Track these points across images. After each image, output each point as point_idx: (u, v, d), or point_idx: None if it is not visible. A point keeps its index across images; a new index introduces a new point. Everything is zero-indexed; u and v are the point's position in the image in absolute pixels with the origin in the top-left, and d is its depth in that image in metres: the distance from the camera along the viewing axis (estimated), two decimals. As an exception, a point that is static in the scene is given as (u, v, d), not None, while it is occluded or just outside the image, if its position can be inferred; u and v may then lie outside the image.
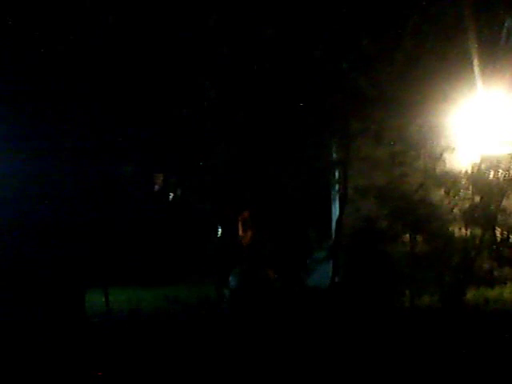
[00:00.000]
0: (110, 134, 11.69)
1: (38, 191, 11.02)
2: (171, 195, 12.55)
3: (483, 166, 12.40)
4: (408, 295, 12.13)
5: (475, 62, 12.48)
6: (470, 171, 12.44)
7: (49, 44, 11.24)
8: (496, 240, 12.27)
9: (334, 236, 12.81)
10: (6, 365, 9.83)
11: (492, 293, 12.77)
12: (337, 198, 12.94)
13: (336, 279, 12.52)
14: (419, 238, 12.43)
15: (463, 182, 12.42)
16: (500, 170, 12.31)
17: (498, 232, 12.29)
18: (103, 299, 11.62)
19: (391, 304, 12.00)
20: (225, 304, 11.86)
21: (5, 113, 10.84)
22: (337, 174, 13.04)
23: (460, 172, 12.46)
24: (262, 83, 12.39)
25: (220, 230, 12.70)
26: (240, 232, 12.42)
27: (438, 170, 12.58)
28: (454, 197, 12.39)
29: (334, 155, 13.15)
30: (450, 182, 12.42)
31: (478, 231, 12.29)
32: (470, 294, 12.33)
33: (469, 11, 12.65)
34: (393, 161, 12.56)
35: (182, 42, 12.12)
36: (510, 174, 12.29)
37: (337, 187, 12.93)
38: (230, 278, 11.73)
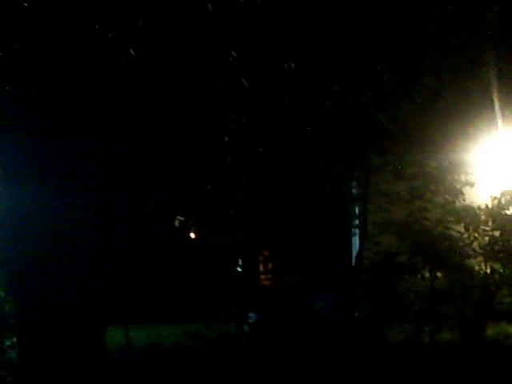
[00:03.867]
0: (133, 170, 11.81)
1: (58, 226, 11.07)
2: (192, 232, 12.67)
3: (503, 201, 12.41)
4: (427, 330, 12.13)
5: (496, 97, 12.50)
6: (489, 206, 12.45)
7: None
8: (516, 275, 12.24)
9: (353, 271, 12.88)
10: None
11: (512, 329, 12.78)
12: (357, 232, 12.99)
13: (356, 313, 12.57)
14: (439, 272, 12.43)
15: (483, 216, 12.42)
16: (520, 205, 12.32)
17: (518, 267, 12.25)
18: (123, 335, 11.73)
19: (411, 339, 12.02)
20: (244, 339, 11.96)
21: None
22: (357, 208, 13.10)
23: (480, 207, 12.47)
24: (283, 117, 12.49)
25: (241, 266, 12.79)
26: (261, 268, 12.54)
27: (457, 205, 12.61)
28: (474, 232, 12.40)
29: (354, 190, 13.23)
30: (470, 216, 12.42)
31: (498, 266, 12.29)
32: (490, 330, 12.33)
33: (490, 45, 12.69)
34: (412, 195, 12.62)
35: (204, 75, 12.25)
36: (529, 208, 12.29)
37: (357, 222, 12.97)
38: (250, 315, 11.83)
